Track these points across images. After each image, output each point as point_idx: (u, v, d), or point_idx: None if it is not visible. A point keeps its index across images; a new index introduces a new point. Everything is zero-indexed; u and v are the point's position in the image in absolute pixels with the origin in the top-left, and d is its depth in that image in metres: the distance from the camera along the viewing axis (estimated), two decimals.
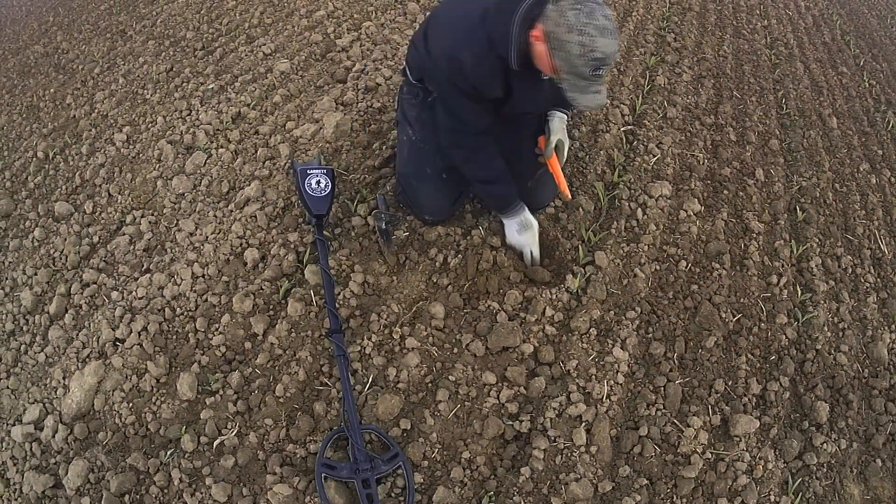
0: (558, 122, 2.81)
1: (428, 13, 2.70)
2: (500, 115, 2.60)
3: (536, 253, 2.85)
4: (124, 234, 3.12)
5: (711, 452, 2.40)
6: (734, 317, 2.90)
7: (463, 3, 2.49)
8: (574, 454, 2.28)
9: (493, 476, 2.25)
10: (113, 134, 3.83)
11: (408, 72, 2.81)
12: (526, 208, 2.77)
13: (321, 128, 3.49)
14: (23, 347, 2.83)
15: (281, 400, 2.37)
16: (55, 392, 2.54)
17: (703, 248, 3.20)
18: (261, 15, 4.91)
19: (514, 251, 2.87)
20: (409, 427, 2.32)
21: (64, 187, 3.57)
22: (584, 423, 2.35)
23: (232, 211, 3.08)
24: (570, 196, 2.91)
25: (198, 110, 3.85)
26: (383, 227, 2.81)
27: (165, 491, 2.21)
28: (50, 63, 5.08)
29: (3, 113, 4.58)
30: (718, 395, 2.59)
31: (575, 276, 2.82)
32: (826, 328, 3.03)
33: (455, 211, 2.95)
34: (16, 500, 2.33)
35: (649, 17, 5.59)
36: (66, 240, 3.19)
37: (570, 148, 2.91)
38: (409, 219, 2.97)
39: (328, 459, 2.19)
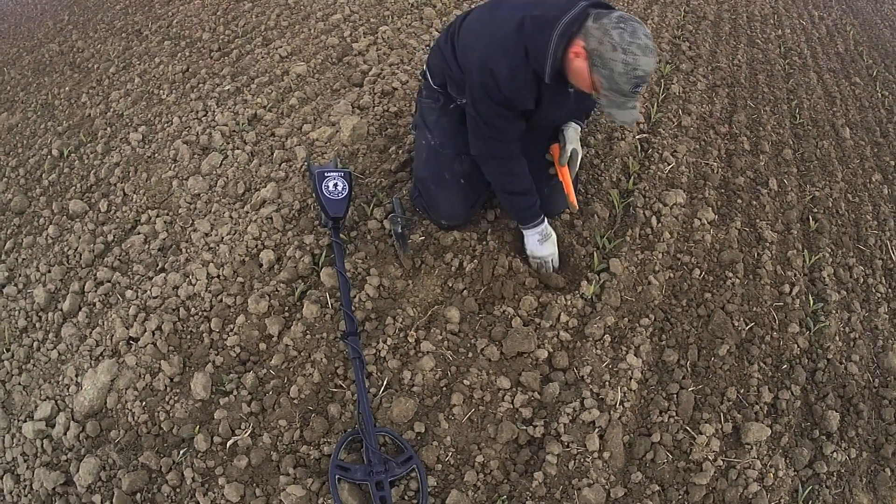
0: (573, 132, 2.81)
1: (455, 18, 2.69)
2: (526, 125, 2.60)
3: (556, 263, 2.86)
4: (139, 234, 3.14)
5: (723, 460, 2.39)
6: (747, 325, 2.89)
7: (495, 12, 2.47)
8: (587, 460, 2.28)
9: (506, 480, 2.25)
10: (128, 133, 3.85)
11: (429, 76, 2.81)
12: (546, 220, 2.78)
13: (338, 131, 3.50)
14: (35, 344, 2.84)
15: (295, 401, 2.38)
16: (67, 389, 2.56)
17: (716, 256, 3.20)
18: (277, 17, 4.93)
19: (529, 263, 2.87)
20: (423, 430, 2.33)
21: (78, 185, 3.59)
22: (597, 429, 2.35)
23: (248, 212, 3.09)
24: (576, 206, 2.87)
25: (214, 111, 3.86)
26: (399, 230, 2.82)
27: (178, 490, 2.21)
28: (65, 61, 5.11)
29: (18, 110, 4.61)
30: (730, 402, 2.58)
31: (590, 282, 2.82)
32: (837, 338, 3.02)
33: (472, 216, 2.96)
34: (26, 496, 2.34)
35: (664, 26, 5.59)
36: (80, 238, 3.20)
37: (583, 157, 2.91)
38: (425, 223, 2.98)
39: (342, 461, 2.19)
